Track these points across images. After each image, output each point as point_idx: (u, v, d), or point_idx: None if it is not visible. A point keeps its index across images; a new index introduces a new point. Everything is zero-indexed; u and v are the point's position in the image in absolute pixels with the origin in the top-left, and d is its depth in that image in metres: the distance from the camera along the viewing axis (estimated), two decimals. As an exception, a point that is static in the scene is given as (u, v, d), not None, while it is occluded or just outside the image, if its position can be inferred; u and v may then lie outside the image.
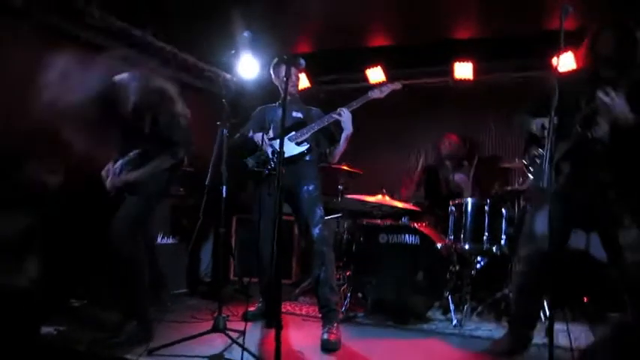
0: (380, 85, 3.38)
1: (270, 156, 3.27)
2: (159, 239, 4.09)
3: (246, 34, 2.97)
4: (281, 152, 2.29)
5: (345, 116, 3.23)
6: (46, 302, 3.06)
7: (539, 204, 2.55)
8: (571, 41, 3.86)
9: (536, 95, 2.78)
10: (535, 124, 2.61)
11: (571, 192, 2.45)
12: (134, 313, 2.81)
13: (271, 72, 3.48)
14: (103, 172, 2.92)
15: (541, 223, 2.50)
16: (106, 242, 2.73)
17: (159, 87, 2.85)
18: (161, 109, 2.81)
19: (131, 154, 2.81)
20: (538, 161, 2.64)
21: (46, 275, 2.96)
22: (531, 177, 2.71)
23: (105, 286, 3.40)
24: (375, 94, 3.30)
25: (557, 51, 2.38)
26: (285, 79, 2.62)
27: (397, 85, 3.36)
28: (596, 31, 2.53)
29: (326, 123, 3.27)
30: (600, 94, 2.34)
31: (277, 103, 3.48)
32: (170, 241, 4.21)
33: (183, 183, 4.32)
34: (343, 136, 3.30)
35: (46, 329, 2.87)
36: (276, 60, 3.43)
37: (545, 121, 2.44)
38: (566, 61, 4.10)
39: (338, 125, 3.29)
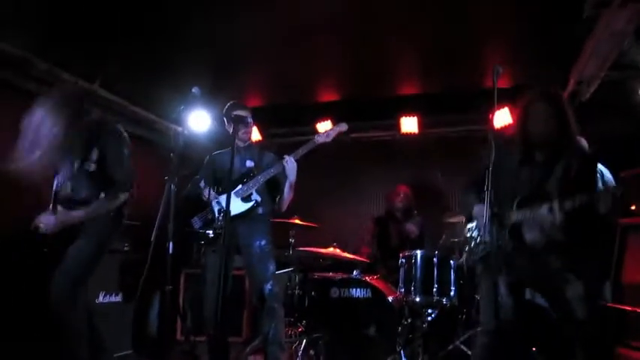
0: (326, 130, 3.33)
1: (217, 215, 3.21)
2: (102, 297, 3.87)
3: (194, 90, 2.96)
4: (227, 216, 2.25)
5: (289, 165, 3.17)
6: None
7: (488, 278, 2.54)
8: (507, 98, 4.19)
9: (476, 172, 2.70)
10: (476, 208, 2.62)
11: (515, 261, 2.47)
12: None
13: (224, 118, 3.43)
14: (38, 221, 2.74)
15: (494, 296, 2.44)
16: (43, 304, 2.56)
17: (106, 121, 2.80)
18: (109, 144, 2.74)
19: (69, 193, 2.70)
20: (475, 241, 2.67)
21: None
22: (470, 255, 2.71)
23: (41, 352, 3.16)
24: (322, 139, 3.26)
25: (492, 109, 2.51)
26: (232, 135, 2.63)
27: (343, 127, 3.32)
28: (526, 105, 2.53)
29: (271, 174, 3.22)
30: (544, 211, 2.31)
31: (228, 149, 3.34)
32: (115, 299, 3.99)
33: (129, 238, 4.16)
34: (287, 184, 3.25)
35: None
36: (228, 105, 3.38)
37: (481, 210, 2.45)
38: (502, 118, 4.35)
39: (284, 174, 3.23)
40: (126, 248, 4.14)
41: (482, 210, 2.44)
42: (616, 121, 4.35)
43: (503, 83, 4.69)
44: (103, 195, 2.72)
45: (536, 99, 2.49)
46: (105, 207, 2.74)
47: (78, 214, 2.69)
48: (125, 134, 2.86)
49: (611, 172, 3.36)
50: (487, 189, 2.20)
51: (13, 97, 3.94)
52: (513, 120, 4.10)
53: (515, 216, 2.46)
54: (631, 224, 3.01)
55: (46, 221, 2.70)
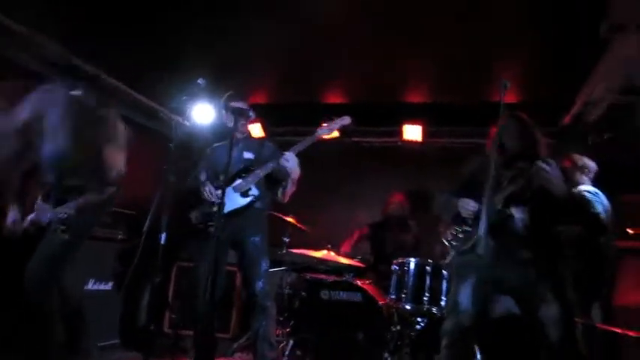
0: (328, 123, 3.27)
1: (215, 210, 3.18)
2: (91, 284, 3.85)
3: (200, 81, 2.95)
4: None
5: (290, 163, 3.13)
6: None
7: (462, 277, 2.59)
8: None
9: (458, 177, 2.90)
10: (462, 204, 2.68)
11: (495, 265, 2.51)
12: None
13: (222, 109, 3.38)
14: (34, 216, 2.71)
15: (464, 296, 2.54)
16: (18, 289, 2.53)
17: (98, 110, 2.76)
18: (99, 134, 2.69)
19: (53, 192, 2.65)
20: (461, 236, 2.70)
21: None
22: (453, 253, 2.75)
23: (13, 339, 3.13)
24: (324, 132, 3.21)
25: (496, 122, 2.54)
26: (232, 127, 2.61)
27: (346, 120, 3.25)
28: (502, 122, 2.66)
29: (270, 169, 3.17)
30: (540, 164, 2.44)
31: (227, 140, 3.26)
32: (105, 287, 3.96)
33: (124, 226, 4.14)
34: (289, 180, 3.22)
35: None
36: (226, 96, 3.32)
37: (467, 202, 2.59)
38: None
39: (285, 170, 3.18)
40: (120, 237, 4.11)
41: (467, 202, 2.60)
42: (620, 146, 4.35)
43: (510, 98, 4.68)
44: (92, 189, 2.68)
45: (509, 119, 2.69)
46: (91, 202, 2.68)
47: (69, 207, 2.63)
48: (122, 123, 2.82)
49: (609, 196, 3.37)
50: (486, 200, 2.20)
51: (17, 77, 3.94)
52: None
53: (503, 193, 2.54)
54: (627, 248, 3.01)
55: (42, 214, 2.65)
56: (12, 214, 2.69)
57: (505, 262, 2.52)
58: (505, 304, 2.99)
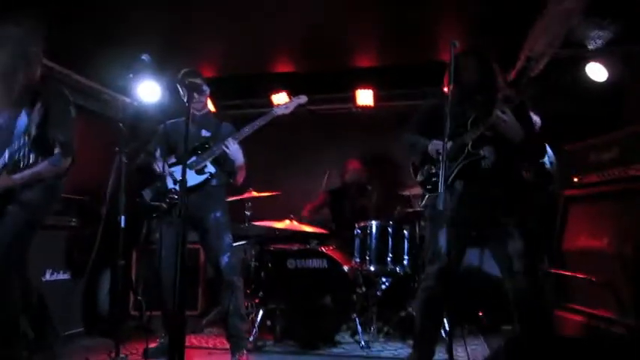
0: (285, 102, 3.29)
1: (172, 186, 3.13)
2: (48, 275, 3.72)
3: (144, 57, 2.83)
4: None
5: (231, 148, 3.10)
6: None
7: (438, 222, 2.67)
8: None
9: (418, 115, 2.98)
10: (431, 146, 2.77)
11: (465, 210, 2.61)
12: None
13: (178, 86, 3.29)
14: None
15: (443, 241, 2.60)
16: None
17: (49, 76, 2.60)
18: (54, 102, 2.52)
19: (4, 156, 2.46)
20: (434, 179, 2.78)
21: None
22: (428, 194, 2.83)
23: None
24: (281, 111, 3.22)
25: (447, 82, 2.58)
26: (187, 103, 2.55)
27: (302, 99, 3.27)
28: (457, 60, 2.64)
29: (222, 149, 3.12)
30: (498, 113, 2.54)
31: (183, 118, 3.29)
32: (62, 276, 3.84)
33: (76, 213, 3.99)
34: (236, 166, 3.23)
35: None
36: (182, 72, 3.23)
37: (438, 144, 2.62)
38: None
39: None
40: (73, 224, 3.97)
41: (438, 143, 2.65)
42: (562, 98, 4.52)
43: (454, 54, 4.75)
44: (46, 159, 2.52)
45: (464, 53, 2.75)
46: (48, 171, 2.53)
47: (20, 176, 2.48)
48: (68, 94, 2.65)
49: (554, 147, 3.54)
50: (442, 158, 2.25)
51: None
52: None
53: (471, 135, 2.64)
54: (572, 195, 3.17)
55: None
56: None
57: (474, 202, 2.63)
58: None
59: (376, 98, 5.25)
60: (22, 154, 2.49)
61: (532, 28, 4.02)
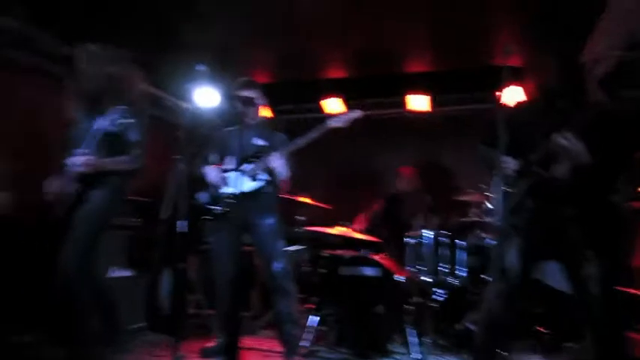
0: (339, 114, 3.26)
1: (224, 192, 3.19)
2: (111, 272, 3.90)
3: (200, 66, 2.94)
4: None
5: (276, 163, 3.12)
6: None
7: (506, 239, 2.54)
8: (517, 76, 4.14)
9: (488, 127, 2.83)
10: (503, 163, 2.57)
11: (536, 227, 2.48)
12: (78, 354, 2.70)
13: (232, 96, 3.36)
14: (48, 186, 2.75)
15: (512, 259, 2.49)
16: (55, 273, 2.60)
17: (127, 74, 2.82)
18: (130, 100, 2.76)
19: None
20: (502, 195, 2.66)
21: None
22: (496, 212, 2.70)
23: (52, 322, 3.21)
24: (334, 123, 3.18)
25: (501, 87, 2.48)
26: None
27: (357, 113, 3.23)
28: (539, 62, 2.57)
29: (271, 163, 3.15)
30: (558, 139, 2.33)
31: (237, 127, 3.35)
32: (125, 273, 4.02)
33: (139, 213, 4.17)
34: (279, 180, 3.23)
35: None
36: (235, 84, 3.33)
37: (507, 162, 2.48)
38: (511, 96, 4.28)
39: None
40: (136, 223, 4.14)
41: (508, 160, 2.48)
42: (628, 101, 4.30)
43: (513, 62, 4.62)
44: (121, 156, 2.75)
45: (548, 55, 2.55)
46: (126, 165, 2.77)
47: (102, 161, 2.70)
48: (144, 101, 2.90)
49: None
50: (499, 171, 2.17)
51: (14, 73, 3.91)
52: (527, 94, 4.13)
53: (536, 154, 2.45)
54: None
55: (76, 160, 2.68)
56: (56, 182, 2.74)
57: (546, 222, 2.48)
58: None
59: (431, 103, 5.18)
60: (101, 152, 2.71)
61: (592, 31, 3.85)
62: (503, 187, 2.60)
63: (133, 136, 2.77)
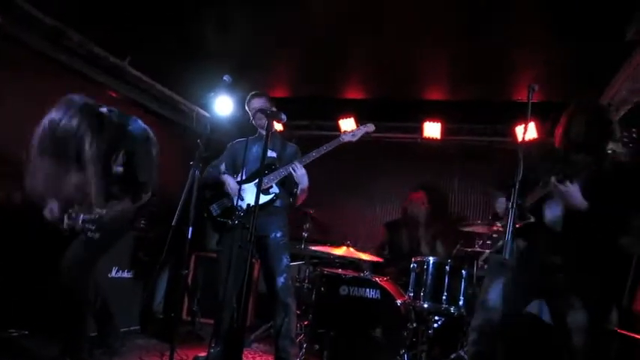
0: (352, 130, 3.31)
1: (236, 204, 3.21)
2: (114, 272, 3.92)
3: (226, 77, 2.99)
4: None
5: (298, 172, 3.18)
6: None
7: (495, 275, 2.57)
8: (535, 112, 4.16)
9: (504, 169, 2.84)
10: (499, 203, 2.67)
11: (525, 268, 2.49)
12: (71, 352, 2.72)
13: (246, 107, 3.47)
14: (47, 213, 2.74)
15: (495, 294, 2.52)
16: (55, 274, 2.64)
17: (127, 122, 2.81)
18: (136, 147, 2.77)
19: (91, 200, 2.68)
20: (495, 236, 2.70)
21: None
22: (489, 249, 2.75)
23: (48, 317, 3.24)
24: (347, 138, 3.24)
25: (524, 123, 2.51)
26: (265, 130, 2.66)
27: (370, 128, 3.29)
28: (571, 114, 2.57)
29: (288, 172, 3.22)
30: (554, 182, 2.35)
31: (250, 137, 3.36)
32: (126, 274, 4.04)
33: (146, 216, 4.19)
34: (299, 190, 3.27)
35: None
36: (249, 96, 3.43)
37: (501, 202, 2.54)
38: (529, 134, 4.32)
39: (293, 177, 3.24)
40: (142, 225, 4.16)
41: (501, 200, 2.58)
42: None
43: (534, 98, 4.65)
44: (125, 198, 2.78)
45: (580, 109, 2.55)
46: (130, 206, 2.80)
47: (107, 212, 2.70)
48: (151, 134, 2.88)
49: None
50: (511, 207, 2.19)
51: (44, 66, 3.99)
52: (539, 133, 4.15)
53: (531, 197, 2.48)
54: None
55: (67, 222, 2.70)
56: (51, 206, 2.75)
57: (534, 265, 2.49)
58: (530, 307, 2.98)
59: (444, 131, 5.21)
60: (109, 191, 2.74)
61: (616, 74, 3.88)
62: (504, 223, 2.63)
63: (138, 174, 2.79)
